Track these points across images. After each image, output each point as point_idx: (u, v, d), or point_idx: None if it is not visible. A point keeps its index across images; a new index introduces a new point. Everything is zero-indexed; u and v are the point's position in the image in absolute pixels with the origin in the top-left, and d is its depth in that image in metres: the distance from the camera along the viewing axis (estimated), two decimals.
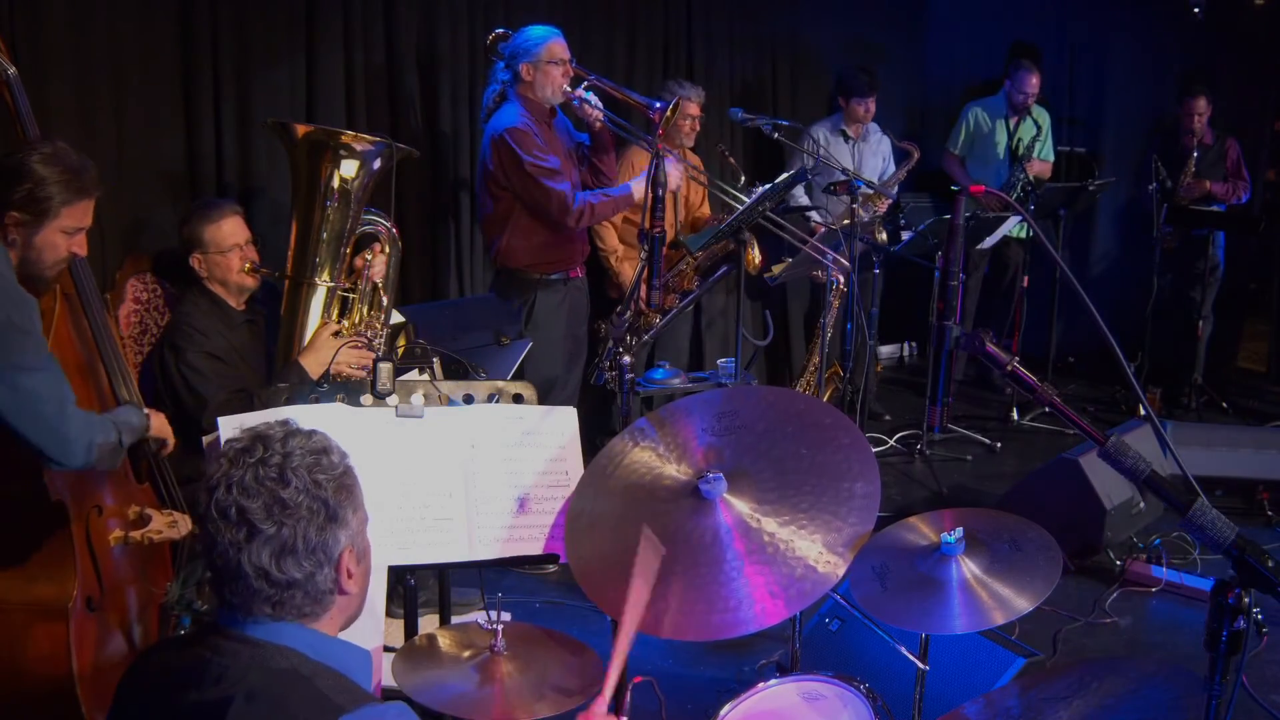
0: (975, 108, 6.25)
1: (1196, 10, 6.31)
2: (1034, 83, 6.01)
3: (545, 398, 3.25)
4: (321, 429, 1.55)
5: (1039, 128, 6.10)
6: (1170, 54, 6.81)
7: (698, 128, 4.89)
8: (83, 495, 2.44)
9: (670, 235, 4.36)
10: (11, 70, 2.41)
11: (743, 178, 4.71)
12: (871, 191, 5.29)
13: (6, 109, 2.44)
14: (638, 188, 4.10)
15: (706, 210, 5.14)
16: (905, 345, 7.37)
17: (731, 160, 4.99)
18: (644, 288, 2.59)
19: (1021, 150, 6.03)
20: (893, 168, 5.85)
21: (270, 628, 1.46)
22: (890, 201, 5.50)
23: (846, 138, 5.74)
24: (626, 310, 2.64)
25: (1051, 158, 6.30)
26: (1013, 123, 6.09)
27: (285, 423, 1.52)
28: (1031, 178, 5.76)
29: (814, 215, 5.55)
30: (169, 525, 2.59)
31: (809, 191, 5.63)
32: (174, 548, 2.75)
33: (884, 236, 5.17)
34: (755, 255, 4.58)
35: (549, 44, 3.98)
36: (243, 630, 1.46)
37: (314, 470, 1.47)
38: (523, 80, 4.00)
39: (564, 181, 3.97)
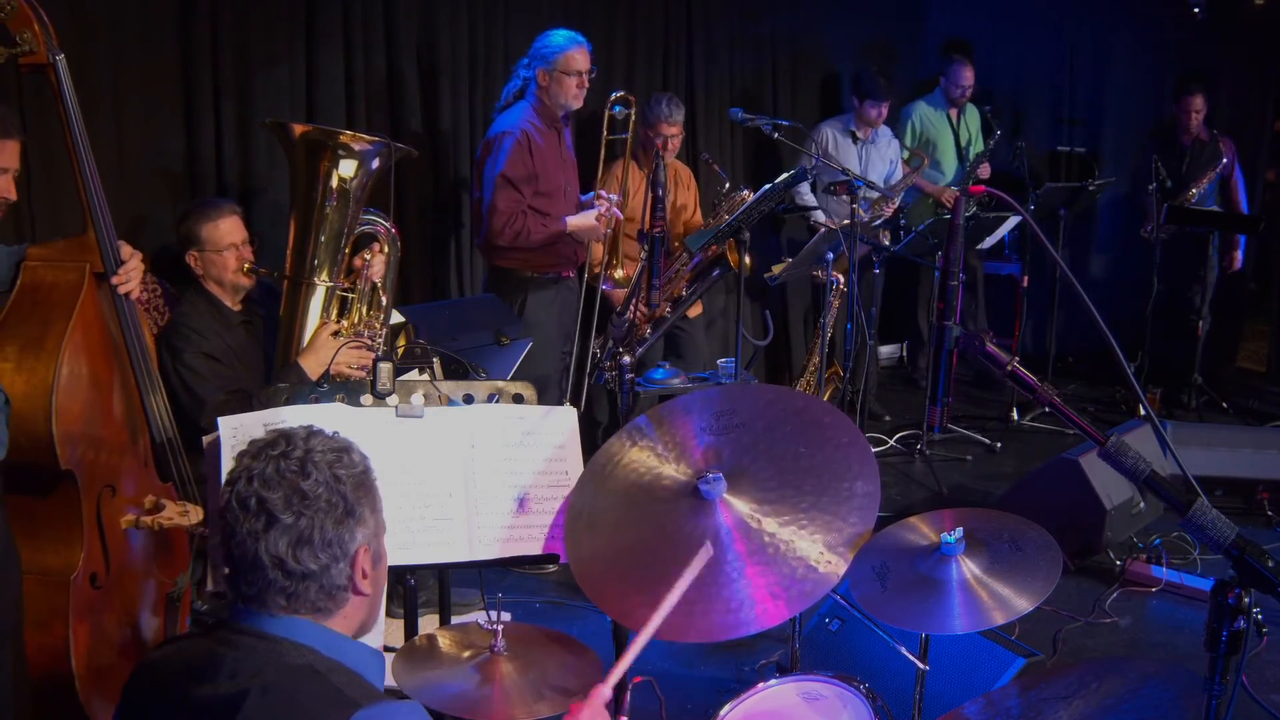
0: (919, 104, 6.21)
1: (1196, 10, 6.32)
2: (969, 76, 6.02)
3: (540, 395, 3.24)
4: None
5: (989, 128, 6.09)
6: (1170, 54, 6.81)
7: (676, 146, 4.78)
8: (95, 472, 2.45)
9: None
10: (60, 56, 2.43)
11: (726, 184, 4.68)
12: (875, 194, 5.29)
13: (51, 92, 2.46)
14: (572, 222, 4.16)
15: (699, 219, 5.08)
16: (905, 345, 7.36)
17: (715, 167, 4.91)
18: (643, 290, 2.59)
19: (973, 155, 6.04)
20: (899, 171, 5.84)
21: (284, 623, 1.47)
22: (895, 204, 5.49)
23: (855, 139, 5.72)
24: (626, 311, 2.64)
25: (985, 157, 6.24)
26: (953, 115, 6.09)
27: (309, 425, 1.55)
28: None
29: (817, 215, 5.53)
30: (180, 514, 2.61)
31: (814, 189, 5.60)
32: (193, 546, 2.75)
33: (887, 239, 5.16)
34: (742, 258, 4.58)
35: (568, 54, 4.01)
36: (257, 625, 1.47)
37: (335, 465, 1.49)
38: (539, 84, 4.05)
39: (517, 207, 4.01)
